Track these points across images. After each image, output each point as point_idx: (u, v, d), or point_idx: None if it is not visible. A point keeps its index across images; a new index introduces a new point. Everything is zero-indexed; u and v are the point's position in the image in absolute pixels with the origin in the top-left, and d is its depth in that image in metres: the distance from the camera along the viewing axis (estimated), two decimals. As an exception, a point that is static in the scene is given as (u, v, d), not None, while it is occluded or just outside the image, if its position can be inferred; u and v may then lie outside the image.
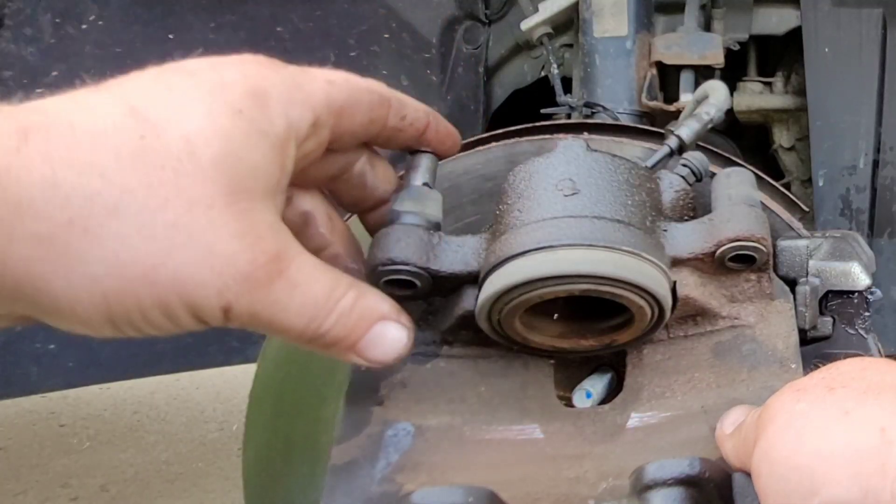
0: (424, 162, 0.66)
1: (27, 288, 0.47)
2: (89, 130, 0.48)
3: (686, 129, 0.77)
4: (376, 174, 0.65)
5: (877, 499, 0.44)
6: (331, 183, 0.64)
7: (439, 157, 0.67)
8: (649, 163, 0.74)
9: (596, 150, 0.68)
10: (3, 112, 0.48)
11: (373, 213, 0.66)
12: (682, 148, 0.77)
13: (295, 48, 1.31)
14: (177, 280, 0.48)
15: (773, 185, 0.84)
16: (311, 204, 0.63)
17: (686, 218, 0.69)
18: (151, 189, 0.48)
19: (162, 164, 0.48)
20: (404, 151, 0.66)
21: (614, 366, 0.70)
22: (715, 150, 0.85)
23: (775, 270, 0.69)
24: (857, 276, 0.72)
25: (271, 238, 0.51)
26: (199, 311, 0.50)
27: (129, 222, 0.47)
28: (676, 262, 0.65)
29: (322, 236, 0.63)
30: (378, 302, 0.57)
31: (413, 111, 0.63)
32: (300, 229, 0.61)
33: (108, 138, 0.48)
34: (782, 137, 1.25)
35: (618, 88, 1.12)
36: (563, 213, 0.62)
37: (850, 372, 0.50)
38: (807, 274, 0.70)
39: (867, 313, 0.74)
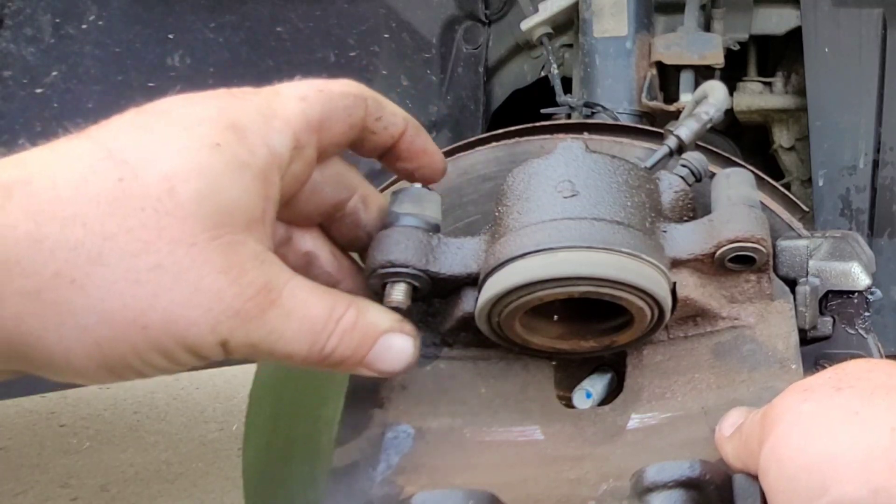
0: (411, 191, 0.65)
1: (20, 345, 0.47)
2: (69, 180, 0.48)
3: (685, 130, 0.77)
4: (369, 212, 0.64)
5: (888, 496, 0.44)
6: (326, 222, 0.63)
7: (416, 178, 0.64)
8: (648, 163, 0.74)
9: (595, 152, 0.68)
10: None
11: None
12: (681, 148, 0.77)
13: (295, 48, 1.31)
14: (168, 321, 0.48)
15: (773, 185, 0.84)
16: (313, 243, 0.63)
17: (686, 218, 0.69)
18: (132, 233, 0.47)
19: (142, 205, 0.48)
20: (378, 160, 0.64)
21: (614, 366, 0.70)
22: (715, 150, 0.85)
23: (775, 270, 0.69)
24: (857, 276, 0.72)
25: (257, 270, 0.51)
26: (197, 349, 0.50)
27: (113, 269, 0.47)
28: (676, 264, 0.65)
29: (328, 275, 0.63)
30: (380, 316, 0.58)
31: (390, 115, 0.61)
32: (304, 269, 0.60)
33: (88, 186, 0.47)
34: (782, 137, 1.25)
35: (618, 88, 1.12)
36: (562, 215, 0.62)
37: (856, 373, 0.50)
38: (807, 274, 0.70)
39: (867, 313, 0.74)
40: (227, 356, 0.51)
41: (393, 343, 0.58)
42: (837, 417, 0.47)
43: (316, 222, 0.63)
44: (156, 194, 0.48)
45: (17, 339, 0.47)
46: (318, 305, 0.54)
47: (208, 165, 0.50)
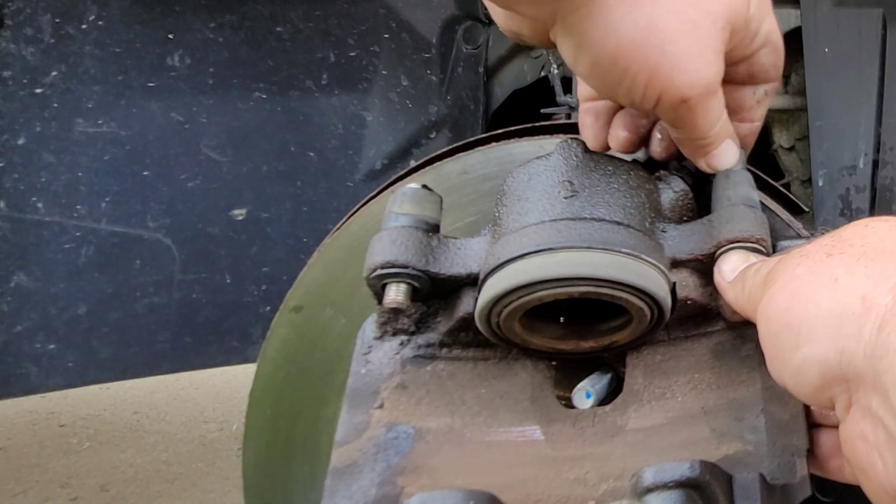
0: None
1: None
2: None
3: (686, 130, 0.77)
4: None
5: (850, 358, 0.48)
6: None
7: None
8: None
9: (594, 152, 0.68)
10: None
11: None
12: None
13: (295, 48, 1.31)
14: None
15: (773, 185, 0.84)
16: None
17: (686, 218, 0.69)
18: None
19: None
20: None
21: (614, 366, 0.70)
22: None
23: (775, 271, 0.69)
24: (857, 276, 0.72)
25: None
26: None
27: None
28: (676, 264, 0.65)
29: None
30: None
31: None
32: None
33: None
34: (782, 137, 1.25)
35: (618, 88, 1.11)
36: (562, 216, 0.62)
37: (850, 238, 0.54)
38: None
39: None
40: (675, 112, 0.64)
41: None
42: (820, 283, 0.51)
43: None
44: None
45: None
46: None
47: None
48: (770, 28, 0.70)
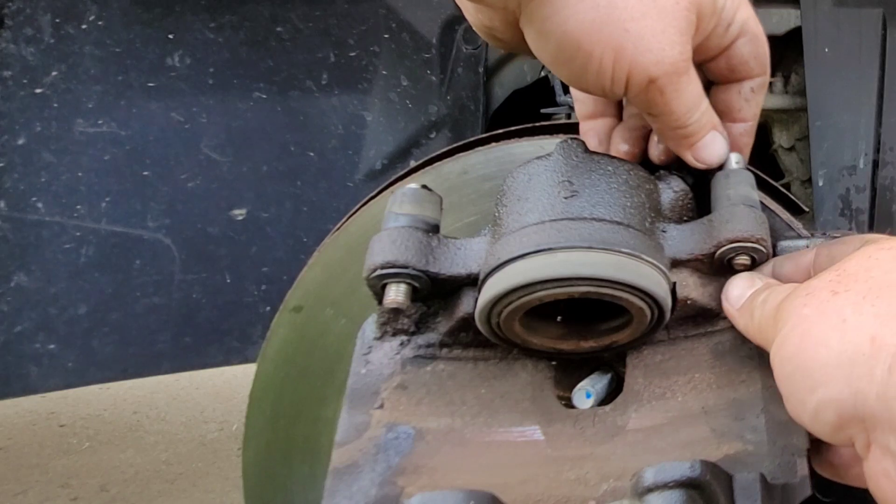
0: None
1: None
2: None
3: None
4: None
5: (864, 399, 0.49)
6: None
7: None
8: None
9: (594, 152, 0.68)
10: None
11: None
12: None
13: (295, 48, 1.31)
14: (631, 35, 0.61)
15: (773, 185, 0.84)
16: None
17: (686, 218, 0.69)
18: None
19: None
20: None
21: (614, 366, 0.70)
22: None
23: (776, 270, 0.69)
24: (858, 276, 0.72)
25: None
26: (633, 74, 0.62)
27: None
28: (676, 264, 0.65)
29: None
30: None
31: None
32: None
33: None
34: (782, 137, 1.25)
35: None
36: (562, 216, 0.62)
37: (855, 272, 0.54)
38: (807, 274, 0.70)
39: (867, 313, 0.73)
40: (644, 91, 0.64)
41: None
42: (829, 324, 0.52)
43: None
44: None
45: None
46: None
47: None
48: (746, 17, 0.69)
